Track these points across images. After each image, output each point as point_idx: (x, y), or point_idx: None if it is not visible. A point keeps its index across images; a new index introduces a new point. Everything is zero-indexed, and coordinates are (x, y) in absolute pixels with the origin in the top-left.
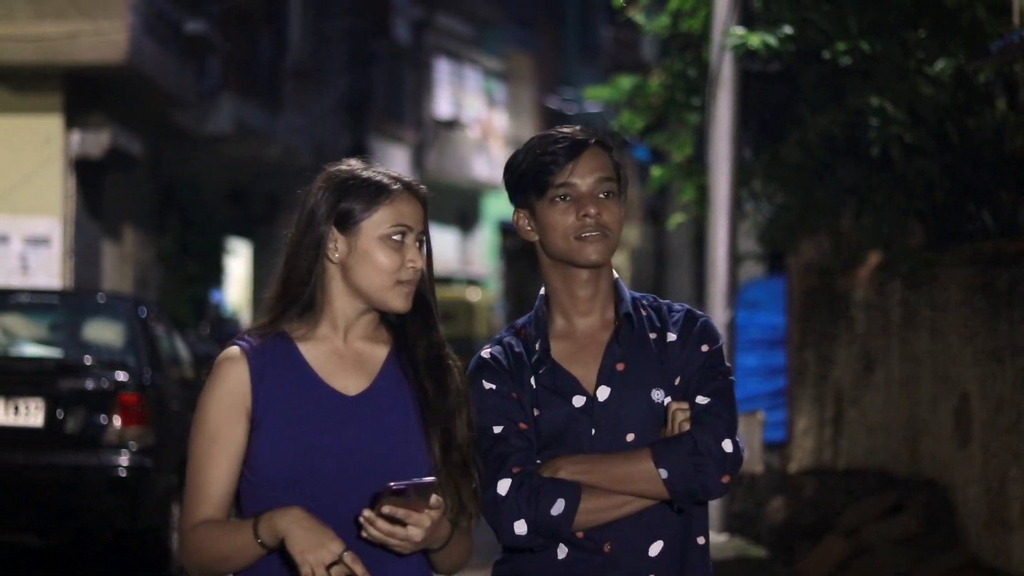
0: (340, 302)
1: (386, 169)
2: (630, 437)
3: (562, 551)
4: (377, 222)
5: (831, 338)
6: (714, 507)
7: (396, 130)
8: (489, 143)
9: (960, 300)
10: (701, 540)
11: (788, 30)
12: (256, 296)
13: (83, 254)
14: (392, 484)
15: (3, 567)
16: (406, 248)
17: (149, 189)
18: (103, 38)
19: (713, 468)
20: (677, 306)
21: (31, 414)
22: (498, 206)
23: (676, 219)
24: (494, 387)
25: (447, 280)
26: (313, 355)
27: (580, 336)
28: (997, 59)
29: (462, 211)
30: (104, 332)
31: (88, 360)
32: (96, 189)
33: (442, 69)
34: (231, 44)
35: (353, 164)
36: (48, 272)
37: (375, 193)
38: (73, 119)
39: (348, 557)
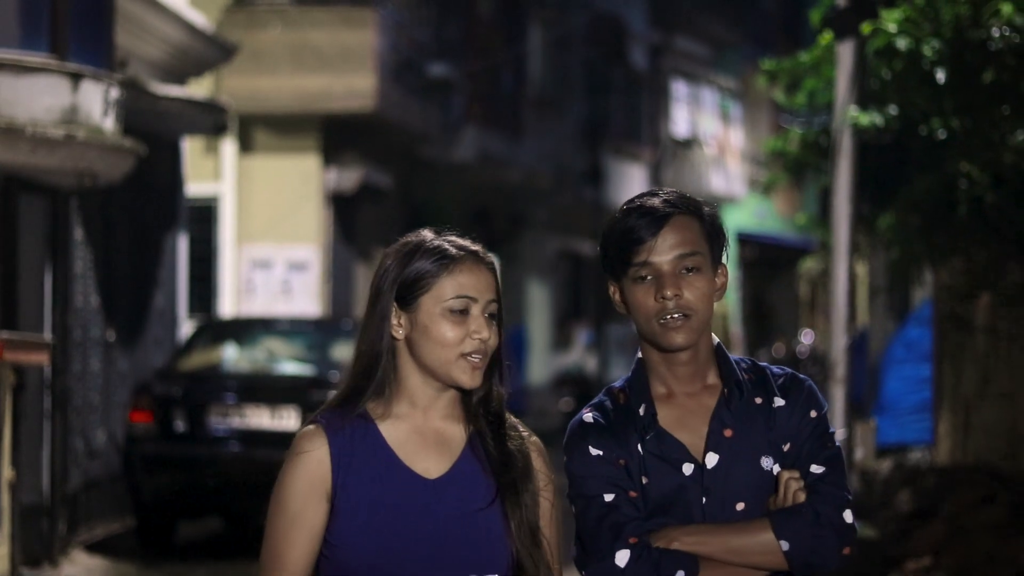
0: (413, 380)
1: (455, 238)
2: (740, 506)
3: None
4: (436, 295)
5: (960, 356)
6: None
7: (633, 149)
8: (726, 159)
9: None
10: None
11: (894, 110)
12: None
13: (339, 277)
14: None
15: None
16: (470, 320)
17: (398, 215)
18: (353, 91)
19: (834, 540)
20: (777, 369)
21: (289, 419)
22: (735, 218)
23: (807, 263)
24: (601, 453)
25: None
26: (394, 435)
27: (683, 401)
28: None
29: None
30: (349, 352)
31: (335, 376)
32: (350, 219)
33: (679, 90)
34: (473, 81)
35: (423, 235)
36: (307, 294)
37: (434, 265)
38: (329, 159)
39: None
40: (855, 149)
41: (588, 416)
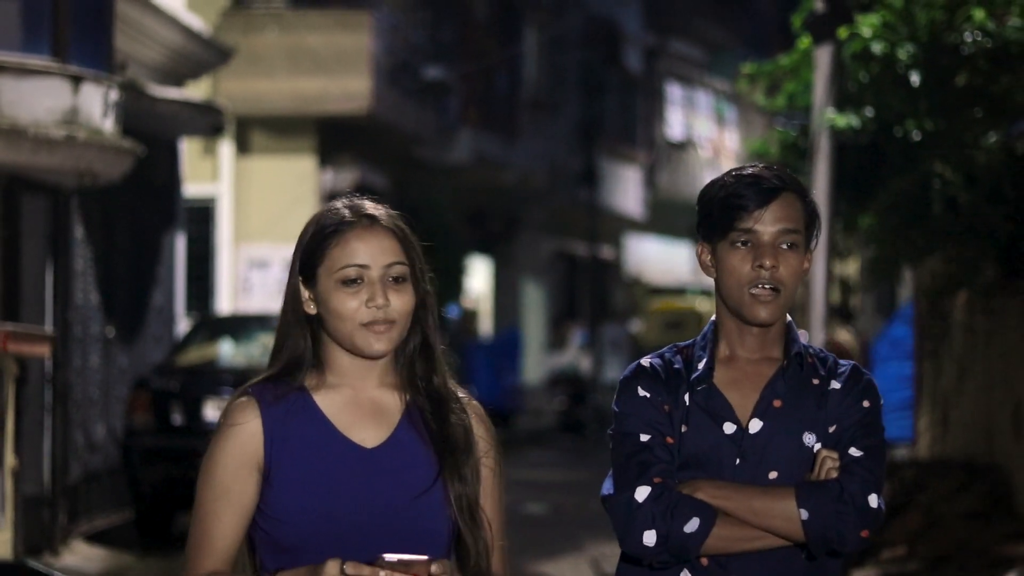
0: (337, 353)
1: (359, 202)
2: (773, 475)
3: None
4: (328, 267)
5: (939, 352)
6: None
7: (628, 151)
8: (720, 160)
9: (1016, 324)
10: None
11: (870, 112)
12: (497, 307)
13: None
14: (384, 556)
15: None
16: (366, 288)
17: None
18: (349, 93)
19: (854, 519)
20: (844, 361)
21: None
22: None
23: None
24: (648, 396)
25: (680, 291)
26: (329, 405)
27: (743, 366)
28: None
29: (694, 225)
30: None
31: None
32: None
33: (673, 93)
34: (468, 83)
35: (331, 204)
36: None
37: (326, 235)
38: (325, 159)
39: (349, 568)
40: (833, 150)
41: (646, 361)
